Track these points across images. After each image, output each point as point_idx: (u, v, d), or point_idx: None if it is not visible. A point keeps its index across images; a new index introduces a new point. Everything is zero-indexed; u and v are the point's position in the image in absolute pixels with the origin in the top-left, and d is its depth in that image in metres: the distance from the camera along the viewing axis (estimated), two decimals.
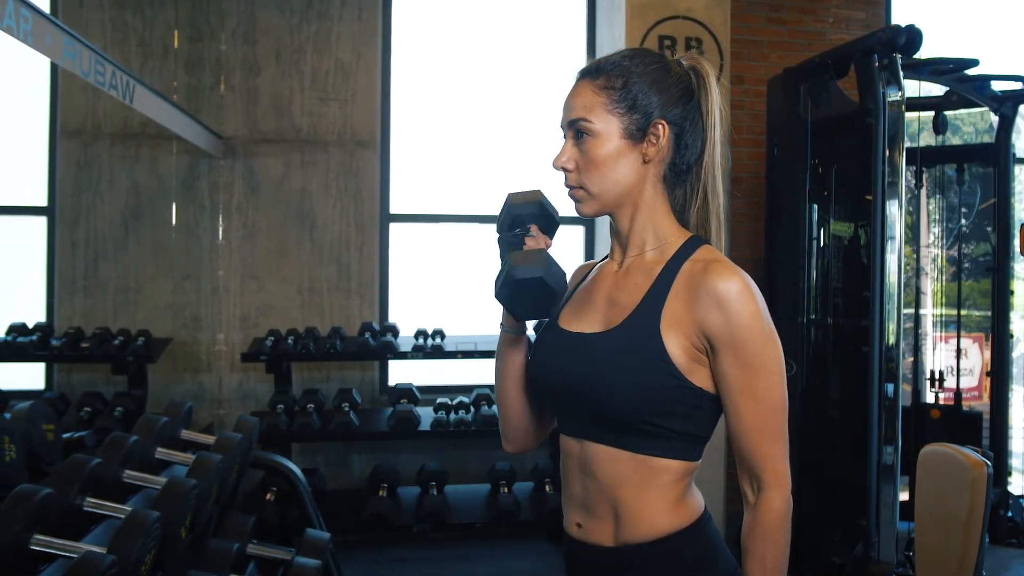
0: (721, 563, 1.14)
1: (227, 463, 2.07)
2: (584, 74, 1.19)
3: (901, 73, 3.21)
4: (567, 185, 1.20)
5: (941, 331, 4.31)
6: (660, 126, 1.16)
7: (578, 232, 4.60)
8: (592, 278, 1.28)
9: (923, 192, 4.33)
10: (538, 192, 1.26)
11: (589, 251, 4.56)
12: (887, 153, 3.21)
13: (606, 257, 1.30)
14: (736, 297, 1.07)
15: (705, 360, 1.10)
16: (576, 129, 1.16)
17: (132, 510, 1.51)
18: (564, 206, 1.27)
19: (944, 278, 4.55)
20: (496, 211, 1.29)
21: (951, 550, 2.11)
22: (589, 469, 1.15)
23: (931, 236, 4.53)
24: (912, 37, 3.15)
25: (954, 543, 2.10)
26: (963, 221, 4.39)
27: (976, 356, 4.56)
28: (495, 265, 1.27)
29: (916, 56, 3.28)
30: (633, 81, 1.15)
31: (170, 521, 1.60)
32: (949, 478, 2.13)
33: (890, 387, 3.20)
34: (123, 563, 1.35)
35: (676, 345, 1.09)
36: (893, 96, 3.21)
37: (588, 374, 1.13)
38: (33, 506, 1.40)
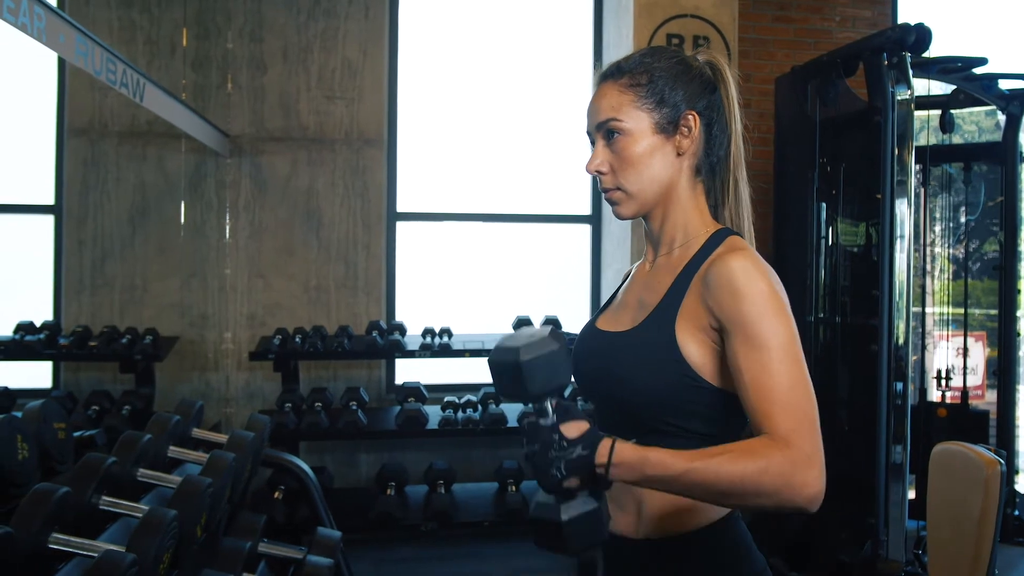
0: (747, 562, 1.14)
1: (240, 462, 2.07)
2: (605, 76, 1.19)
3: (910, 72, 3.21)
4: (603, 188, 1.19)
5: (948, 330, 4.30)
6: (691, 117, 1.15)
7: (584, 231, 4.59)
8: (629, 279, 1.30)
9: (923, 191, 4.32)
10: (546, 341, 0.96)
11: (596, 250, 4.55)
12: (896, 152, 3.21)
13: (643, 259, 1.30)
14: (743, 276, 1.04)
15: (721, 353, 1.07)
16: (606, 130, 1.15)
17: (150, 509, 1.50)
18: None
19: (945, 276, 4.54)
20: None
21: (964, 548, 2.11)
22: None
23: (931, 235, 4.52)
24: (921, 36, 3.15)
25: (967, 541, 2.10)
26: (964, 219, 4.38)
27: (978, 355, 4.55)
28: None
29: (924, 55, 3.28)
30: (657, 76, 1.15)
31: (186, 520, 1.60)
32: (962, 476, 2.13)
33: (899, 386, 3.20)
34: (143, 562, 1.35)
35: (692, 343, 1.08)
36: (902, 95, 3.20)
37: (609, 373, 1.14)
38: (51, 505, 1.39)
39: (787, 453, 0.95)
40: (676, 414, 1.09)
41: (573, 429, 0.95)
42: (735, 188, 1.21)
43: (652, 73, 1.15)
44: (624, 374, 1.11)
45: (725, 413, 1.11)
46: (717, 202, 1.22)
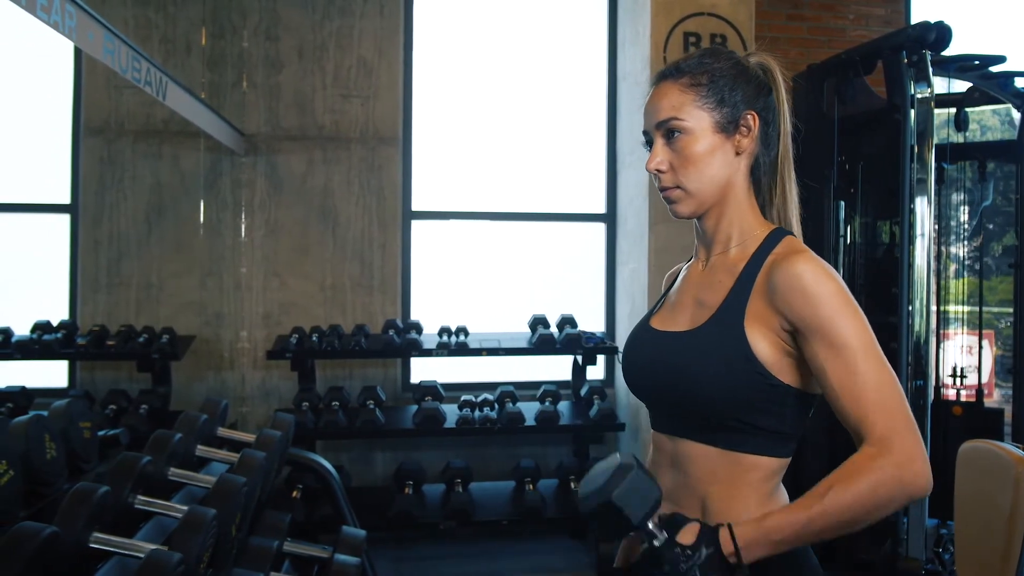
0: (807, 563, 1.14)
1: (270, 461, 2.07)
2: (664, 76, 1.19)
3: (931, 70, 3.20)
4: (662, 187, 1.19)
5: (960, 328, 4.29)
6: (751, 117, 1.16)
7: (599, 229, 4.59)
8: (681, 279, 1.29)
9: (938, 189, 4.29)
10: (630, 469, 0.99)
11: (611, 249, 4.54)
12: (916, 150, 3.20)
13: (691, 258, 1.30)
14: (812, 279, 1.04)
15: (793, 352, 1.08)
16: (667, 129, 1.16)
17: (190, 508, 1.50)
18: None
19: (948, 275, 4.53)
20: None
21: (993, 546, 2.10)
22: (680, 465, 1.16)
23: (935, 232, 4.49)
24: (941, 34, 3.14)
25: (996, 539, 2.09)
26: (976, 217, 4.36)
27: (987, 353, 4.54)
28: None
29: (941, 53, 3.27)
30: (717, 76, 1.16)
31: (223, 519, 1.60)
32: (991, 474, 2.12)
33: (919, 383, 3.20)
34: (188, 561, 1.35)
35: (762, 341, 1.08)
36: (922, 93, 3.19)
37: (677, 372, 1.13)
38: (93, 504, 1.39)
39: (890, 457, 0.97)
40: (747, 411, 1.09)
41: (688, 535, 0.99)
42: (783, 187, 1.21)
43: (712, 73, 1.16)
44: (692, 373, 1.11)
45: (794, 409, 1.12)
46: (765, 201, 1.23)
